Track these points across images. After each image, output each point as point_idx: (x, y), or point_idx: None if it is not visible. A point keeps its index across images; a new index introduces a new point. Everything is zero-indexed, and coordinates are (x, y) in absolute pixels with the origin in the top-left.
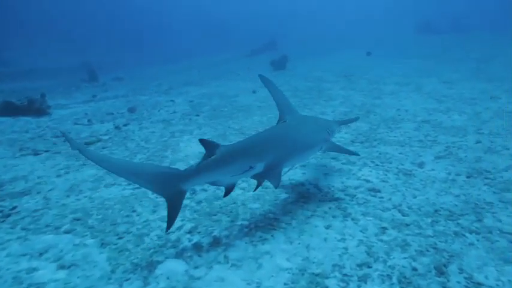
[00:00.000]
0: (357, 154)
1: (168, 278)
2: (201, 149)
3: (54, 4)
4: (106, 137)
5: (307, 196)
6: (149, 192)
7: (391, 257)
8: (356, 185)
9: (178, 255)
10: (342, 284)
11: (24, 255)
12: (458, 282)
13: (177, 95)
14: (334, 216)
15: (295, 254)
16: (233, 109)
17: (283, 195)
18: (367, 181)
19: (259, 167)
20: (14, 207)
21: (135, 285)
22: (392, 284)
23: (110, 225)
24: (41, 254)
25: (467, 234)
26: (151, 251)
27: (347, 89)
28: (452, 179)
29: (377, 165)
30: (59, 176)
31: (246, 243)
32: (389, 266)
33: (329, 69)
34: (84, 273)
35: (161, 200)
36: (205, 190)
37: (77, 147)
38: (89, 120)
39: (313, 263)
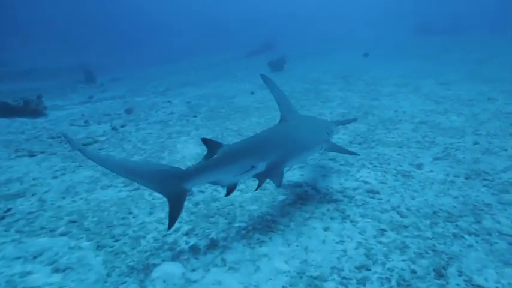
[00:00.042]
0: (356, 154)
1: (164, 281)
2: (198, 150)
3: (52, 4)
4: (103, 138)
5: (305, 198)
6: (146, 194)
7: (390, 259)
8: (354, 186)
9: (175, 258)
10: (340, 287)
11: (18, 258)
12: (457, 284)
13: (175, 96)
14: (332, 218)
15: (293, 257)
16: (231, 110)
17: (281, 197)
18: (366, 182)
19: (261, 167)
20: (9, 210)
21: None
22: (392, 286)
23: (106, 227)
24: (35, 257)
25: (466, 236)
26: (148, 253)
27: (345, 90)
28: (451, 180)
29: (375, 166)
30: (54, 177)
31: (243, 245)
32: (388, 269)
33: (327, 71)
34: (79, 276)
35: (158, 202)
36: (202, 192)
37: (77, 148)
38: (85, 121)
39: (312, 265)
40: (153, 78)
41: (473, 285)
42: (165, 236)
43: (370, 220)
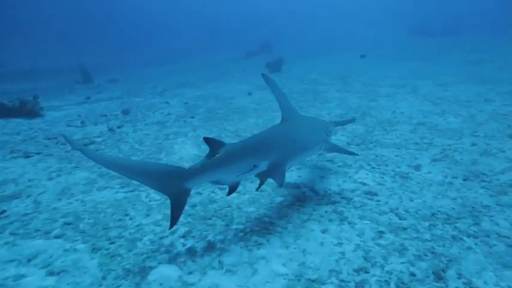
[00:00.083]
0: (355, 154)
1: (161, 285)
2: (196, 152)
3: (51, 5)
4: (99, 139)
5: (303, 199)
6: (142, 196)
7: (389, 261)
8: (352, 188)
9: (172, 261)
10: None
11: (12, 261)
12: (457, 287)
13: (172, 97)
14: (330, 220)
15: (291, 259)
16: (228, 111)
17: (279, 199)
18: (364, 184)
19: (263, 166)
20: (3, 211)
21: None
22: None
23: (102, 229)
24: (29, 260)
25: (465, 238)
26: (144, 256)
27: (342, 91)
28: (449, 181)
29: (373, 167)
30: (50, 179)
31: (241, 247)
32: (387, 271)
33: (324, 72)
34: (74, 279)
35: (154, 204)
36: (199, 193)
37: (78, 148)
38: (82, 122)
39: (310, 268)
40: (150, 78)
41: None
42: (162, 238)
43: (368, 222)
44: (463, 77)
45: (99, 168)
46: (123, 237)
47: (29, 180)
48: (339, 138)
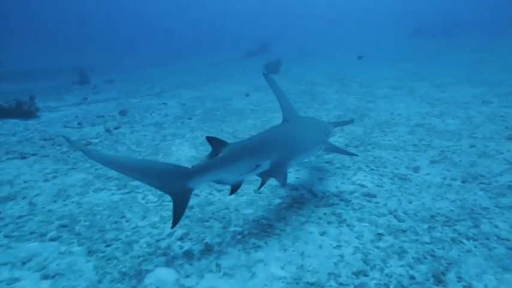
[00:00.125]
0: (354, 155)
1: None
2: (193, 153)
3: (50, 5)
4: (96, 141)
5: (301, 201)
6: (139, 197)
7: (388, 264)
8: (351, 189)
9: (169, 264)
10: None
11: (6, 264)
12: None
13: (170, 98)
14: (329, 222)
15: (290, 262)
16: (226, 112)
17: (277, 201)
18: (362, 186)
19: (265, 165)
20: None
21: None
22: None
23: (98, 231)
24: (24, 263)
25: (464, 241)
26: (141, 259)
27: (340, 93)
28: (448, 183)
29: (372, 169)
30: (46, 180)
31: (238, 250)
32: (387, 274)
33: (322, 73)
34: (70, 283)
35: (151, 206)
36: (197, 195)
37: (79, 148)
38: (79, 123)
39: (308, 271)
40: (148, 79)
41: None
42: (159, 240)
43: (367, 224)
44: (461, 78)
45: (96, 169)
46: (119, 239)
47: (25, 182)
48: (337, 139)
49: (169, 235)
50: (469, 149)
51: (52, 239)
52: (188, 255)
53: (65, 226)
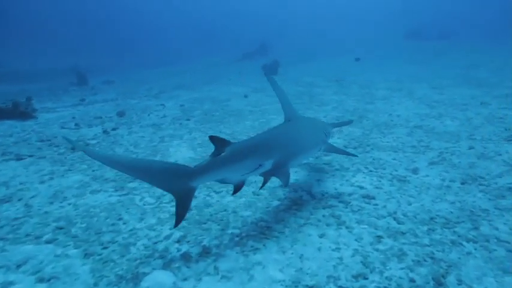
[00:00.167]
0: (354, 155)
1: None
2: (191, 154)
3: (49, 5)
4: (94, 142)
5: (300, 203)
6: (136, 199)
7: (388, 267)
8: (350, 191)
9: (166, 266)
10: None
11: (0, 267)
12: None
13: (168, 99)
14: (328, 225)
15: (288, 265)
16: (224, 114)
17: (275, 202)
18: (361, 187)
19: (267, 165)
20: None
21: None
22: None
23: (95, 234)
24: (18, 266)
25: (464, 243)
26: (138, 261)
27: (339, 94)
28: (447, 185)
29: (371, 171)
30: (42, 182)
31: (237, 253)
32: (386, 277)
33: (320, 74)
34: (65, 286)
35: (149, 208)
36: (195, 197)
37: (81, 149)
38: (76, 124)
39: (307, 274)
40: (146, 80)
41: None
42: (156, 243)
43: (366, 226)
44: (459, 80)
45: (93, 171)
46: (116, 242)
47: (21, 183)
48: (335, 141)
49: (167, 237)
50: (468, 150)
51: (48, 242)
52: (186, 257)
53: (61, 228)
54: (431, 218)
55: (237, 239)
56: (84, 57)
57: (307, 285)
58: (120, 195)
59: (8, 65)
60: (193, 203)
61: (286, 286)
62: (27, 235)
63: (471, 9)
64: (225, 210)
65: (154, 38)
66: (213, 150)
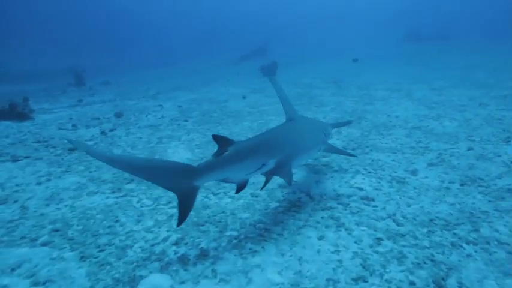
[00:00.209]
0: (353, 155)
1: None
2: (189, 155)
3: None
4: (91, 143)
5: (298, 205)
6: (134, 201)
7: (388, 270)
8: (349, 193)
9: (163, 269)
10: None
11: None
12: None
13: (166, 100)
14: (327, 227)
15: (287, 268)
16: (223, 115)
17: (274, 204)
18: (360, 189)
19: (270, 164)
20: None
21: None
22: None
23: (91, 236)
24: (13, 270)
25: (464, 245)
26: (135, 264)
27: (338, 95)
28: (446, 187)
29: (369, 172)
30: (39, 183)
31: (235, 255)
32: (386, 280)
33: (319, 76)
34: None
35: (146, 209)
36: None
37: (83, 149)
38: (73, 125)
39: (306, 277)
40: (143, 82)
41: None
42: (153, 245)
43: (365, 228)
44: (457, 81)
45: (90, 172)
46: (113, 244)
47: (17, 185)
48: (334, 142)
49: (164, 240)
50: (467, 151)
51: (43, 244)
52: (183, 260)
53: (57, 230)
54: (431, 220)
55: (235, 241)
56: (83, 58)
57: None
58: (117, 197)
59: (8, 65)
60: None
61: None
62: (22, 237)
63: (471, 9)
64: (223, 212)
65: (154, 38)
66: (211, 151)
